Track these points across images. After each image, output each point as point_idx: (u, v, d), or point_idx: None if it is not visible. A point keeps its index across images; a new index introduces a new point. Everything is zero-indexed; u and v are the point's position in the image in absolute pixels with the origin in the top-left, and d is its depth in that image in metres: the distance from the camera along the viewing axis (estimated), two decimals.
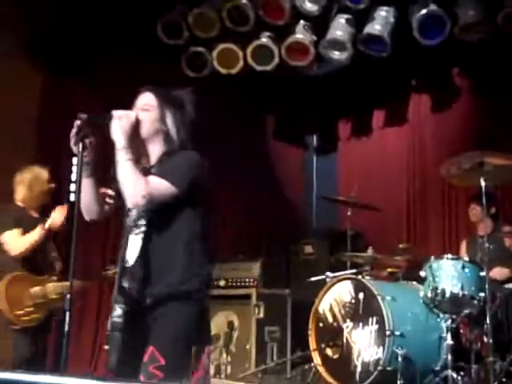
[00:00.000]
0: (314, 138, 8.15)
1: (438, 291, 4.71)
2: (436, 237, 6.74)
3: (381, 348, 4.63)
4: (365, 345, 4.75)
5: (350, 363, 4.80)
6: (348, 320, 4.93)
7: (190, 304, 2.85)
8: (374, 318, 4.76)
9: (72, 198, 2.67)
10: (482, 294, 4.61)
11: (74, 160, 2.69)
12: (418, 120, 6.93)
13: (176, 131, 2.95)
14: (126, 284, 2.85)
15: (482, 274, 4.64)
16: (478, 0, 5.66)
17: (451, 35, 5.89)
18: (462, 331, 4.87)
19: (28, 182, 4.84)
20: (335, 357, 4.95)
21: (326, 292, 5.15)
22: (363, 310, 4.88)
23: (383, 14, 6.05)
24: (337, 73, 6.91)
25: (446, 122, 6.73)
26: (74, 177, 2.68)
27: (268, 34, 6.49)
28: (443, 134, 6.73)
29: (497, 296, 4.79)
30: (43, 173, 4.90)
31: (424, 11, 5.79)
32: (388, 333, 4.60)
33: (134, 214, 2.91)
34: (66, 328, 2.60)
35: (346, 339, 4.88)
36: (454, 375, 4.52)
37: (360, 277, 5.08)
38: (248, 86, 7.05)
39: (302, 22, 6.36)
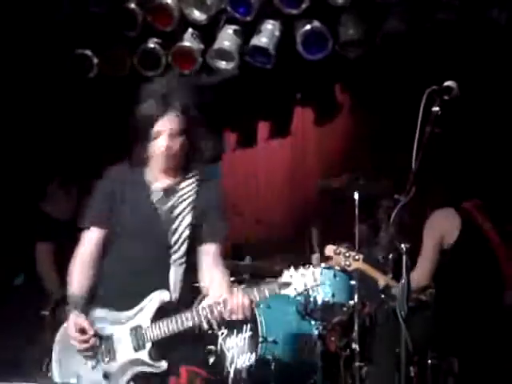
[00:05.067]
0: None
1: (311, 299, 4.82)
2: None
3: (253, 354, 4.69)
4: (238, 352, 4.79)
5: (223, 370, 4.82)
6: (223, 327, 4.96)
7: None
8: (249, 325, 4.82)
9: None
10: (352, 302, 4.76)
11: None
12: (301, 133, 7.05)
13: None
14: None
15: (353, 282, 4.79)
16: (357, 20, 5.87)
17: (334, 51, 6.07)
18: (333, 338, 5.00)
19: None
20: (209, 364, 4.96)
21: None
22: None
23: (269, 27, 6.16)
24: (224, 84, 6.95)
25: (328, 136, 6.90)
26: None
27: (156, 39, 6.49)
28: (325, 147, 6.89)
29: (366, 304, 4.96)
30: None
31: (308, 27, 5.95)
32: (261, 339, 4.66)
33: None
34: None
35: (220, 346, 4.91)
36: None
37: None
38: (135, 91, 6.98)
39: (190, 30, 6.39)
